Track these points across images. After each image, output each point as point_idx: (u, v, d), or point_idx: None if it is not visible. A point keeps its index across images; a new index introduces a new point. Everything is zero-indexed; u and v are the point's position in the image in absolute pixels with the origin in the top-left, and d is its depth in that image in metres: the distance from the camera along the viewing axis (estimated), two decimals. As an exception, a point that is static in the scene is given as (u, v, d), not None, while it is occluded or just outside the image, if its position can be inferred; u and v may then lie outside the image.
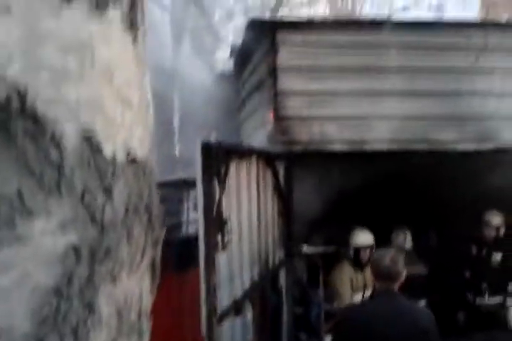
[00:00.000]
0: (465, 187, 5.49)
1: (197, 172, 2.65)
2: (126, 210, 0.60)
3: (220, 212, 2.74)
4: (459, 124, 5.02)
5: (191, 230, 4.15)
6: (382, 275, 2.84)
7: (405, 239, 5.52)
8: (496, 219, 5.13)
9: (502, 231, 5.14)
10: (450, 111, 5.01)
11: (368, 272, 4.15)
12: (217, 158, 2.71)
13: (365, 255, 4.65)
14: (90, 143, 0.55)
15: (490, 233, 5.10)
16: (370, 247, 4.68)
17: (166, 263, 3.70)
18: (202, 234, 2.64)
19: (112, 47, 0.58)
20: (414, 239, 5.69)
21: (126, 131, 0.60)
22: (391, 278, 2.83)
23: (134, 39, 0.64)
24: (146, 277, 0.67)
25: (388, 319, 2.74)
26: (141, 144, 0.64)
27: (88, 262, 0.55)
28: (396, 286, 2.85)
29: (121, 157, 0.60)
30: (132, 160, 0.62)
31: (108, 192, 0.57)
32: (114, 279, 0.59)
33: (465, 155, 4.90)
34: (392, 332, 2.71)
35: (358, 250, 4.67)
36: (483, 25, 4.78)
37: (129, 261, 0.62)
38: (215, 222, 2.69)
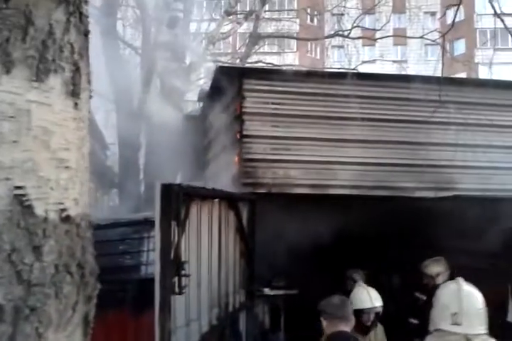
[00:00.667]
0: (427, 233, 5.64)
1: (155, 215, 2.67)
2: (56, 268, 0.63)
3: (177, 255, 2.74)
4: (417, 172, 5.22)
5: (151, 271, 4.10)
6: (335, 316, 2.88)
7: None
8: (430, 268, 5.03)
9: (441, 279, 5.00)
10: (409, 159, 5.22)
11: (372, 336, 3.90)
12: (177, 200, 2.75)
13: (368, 318, 3.86)
14: (21, 203, 0.59)
15: (428, 281, 5.04)
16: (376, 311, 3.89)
17: (122, 304, 3.65)
18: (158, 276, 2.63)
19: (50, 112, 0.63)
20: (375, 283, 5.74)
21: (61, 191, 0.65)
22: (342, 319, 2.88)
23: (76, 103, 0.69)
24: (77, 333, 0.69)
25: None
26: (76, 203, 0.68)
27: (12, 320, 0.57)
28: (348, 328, 2.89)
29: (53, 216, 0.64)
30: (65, 219, 0.66)
31: (38, 250, 0.60)
32: (39, 336, 0.62)
33: (424, 202, 5.06)
34: None
35: (360, 312, 3.73)
36: (439, 81, 5.07)
37: (58, 317, 0.64)
38: (172, 265, 2.69)
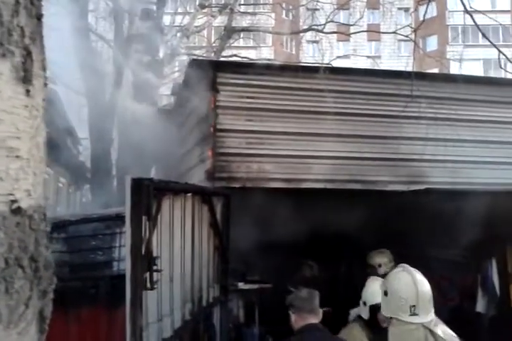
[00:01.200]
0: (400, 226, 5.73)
1: (126, 210, 2.63)
2: (7, 262, 0.61)
3: (149, 250, 2.71)
4: (389, 166, 5.28)
5: (123, 267, 4.06)
6: (303, 309, 2.90)
7: (312, 270, 5.50)
8: (373, 259, 5.21)
9: (383, 269, 5.22)
10: (381, 153, 5.28)
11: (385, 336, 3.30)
12: (148, 195, 2.71)
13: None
14: (-34, 195, 0.56)
15: (371, 271, 5.23)
16: None
17: (95, 300, 3.59)
18: (129, 272, 2.60)
19: (-2, 99, 0.60)
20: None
21: (11, 182, 0.62)
22: (311, 312, 2.90)
23: (28, 90, 0.66)
24: (31, 330, 0.66)
25: None
26: (28, 194, 0.65)
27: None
28: (318, 320, 2.90)
29: (2, 208, 0.61)
30: (16, 211, 0.63)
31: (-16, 244, 0.57)
32: (-13, 332, 0.59)
33: (394, 195, 5.12)
34: None
35: (375, 309, 3.19)
36: (410, 76, 5.12)
37: (8, 313, 0.62)
38: (143, 260, 2.65)
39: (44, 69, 0.73)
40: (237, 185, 4.77)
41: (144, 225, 2.68)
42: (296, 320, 2.90)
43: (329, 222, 4.93)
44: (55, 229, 4.22)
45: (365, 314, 3.26)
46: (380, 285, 2.88)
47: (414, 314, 2.49)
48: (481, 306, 6.22)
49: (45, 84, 0.73)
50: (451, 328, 6.98)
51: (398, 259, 6.63)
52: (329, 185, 5.02)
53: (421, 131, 5.35)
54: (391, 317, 2.59)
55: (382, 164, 5.22)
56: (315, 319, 2.90)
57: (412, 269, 2.65)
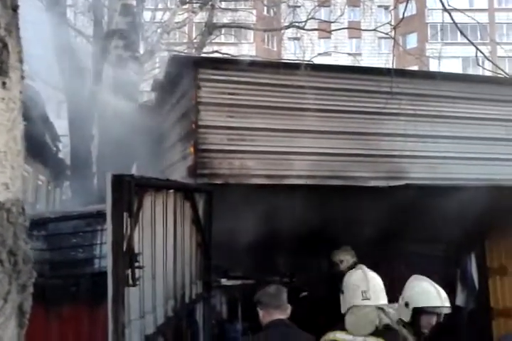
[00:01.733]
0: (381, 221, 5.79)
1: (107, 206, 2.61)
2: (-16, 256, 0.60)
3: (130, 246, 2.69)
4: (370, 162, 5.33)
5: (104, 264, 4.03)
6: (271, 305, 2.94)
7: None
8: (335, 256, 5.52)
9: (345, 265, 5.42)
10: (362, 149, 5.32)
11: None
12: (129, 191, 2.69)
13: (429, 323, 2.98)
14: None
15: (334, 267, 5.47)
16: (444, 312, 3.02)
17: (76, 298, 3.56)
18: (110, 268, 2.58)
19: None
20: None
21: (-12, 175, 0.61)
22: (278, 307, 2.95)
23: (4, 83, 0.65)
24: (10, 324, 0.66)
25: None
26: (6, 188, 0.64)
27: None
28: (286, 316, 2.94)
29: (-21, 201, 0.60)
30: (-7, 205, 0.62)
31: (-40, 237, 0.56)
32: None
33: (374, 191, 5.17)
34: None
35: (419, 312, 2.90)
36: (390, 73, 5.18)
37: (-14, 307, 0.61)
38: (125, 257, 2.64)
39: (21, 61, 0.72)
40: (219, 182, 4.77)
41: (125, 222, 2.67)
42: (264, 316, 2.94)
43: (311, 218, 4.96)
44: (35, 226, 4.17)
45: (407, 316, 2.87)
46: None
47: (366, 298, 2.89)
48: (460, 300, 6.34)
49: (22, 77, 0.72)
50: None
51: (379, 254, 6.74)
52: (311, 181, 5.05)
53: (401, 128, 5.42)
54: (348, 309, 2.94)
55: (363, 160, 5.27)
56: (282, 314, 2.94)
57: (367, 269, 3.07)
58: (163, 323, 3.31)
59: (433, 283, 3.08)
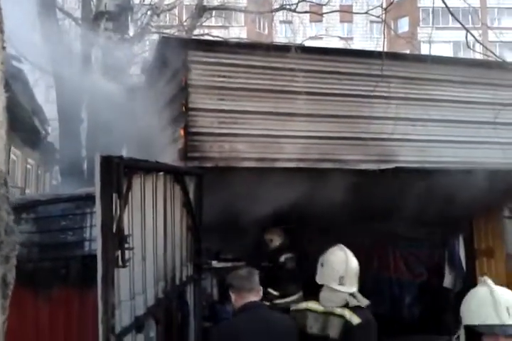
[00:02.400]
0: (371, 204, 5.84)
1: (96, 187, 2.60)
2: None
3: (120, 228, 2.69)
4: (360, 145, 5.34)
5: (94, 247, 4.03)
6: (242, 288, 2.96)
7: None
8: (266, 235, 5.80)
9: (274, 244, 5.73)
10: (353, 133, 5.33)
11: None
12: (118, 172, 2.68)
13: None
14: None
15: (266, 247, 5.78)
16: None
17: (66, 281, 3.55)
18: (100, 250, 2.58)
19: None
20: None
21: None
22: (250, 290, 2.97)
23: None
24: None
25: (252, 330, 2.84)
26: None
27: None
28: (257, 298, 2.97)
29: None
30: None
31: None
32: None
33: (364, 174, 5.19)
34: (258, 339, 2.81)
35: (473, 331, 2.16)
36: (381, 56, 5.16)
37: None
38: (114, 238, 2.64)
39: (1, 31, 0.71)
40: (209, 165, 4.76)
41: (114, 203, 2.66)
42: (236, 300, 2.97)
43: (301, 201, 4.97)
44: (24, 209, 4.15)
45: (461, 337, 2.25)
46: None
47: (341, 284, 3.06)
48: (448, 281, 6.46)
49: (3, 47, 0.71)
50: (420, 303, 7.25)
51: (367, 236, 6.80)
52: (301, 164, 5.06)
53: (391, 111, 5.42)
54: (323, 285, 3.14)
55: (353, 143, 5.28)
56: (255, 297, 2.96)
57: (347, 249, 3.19)
58: (153, 305, 3.33)
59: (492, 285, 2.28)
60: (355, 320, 2.97)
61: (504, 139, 5.72)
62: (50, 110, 11.14)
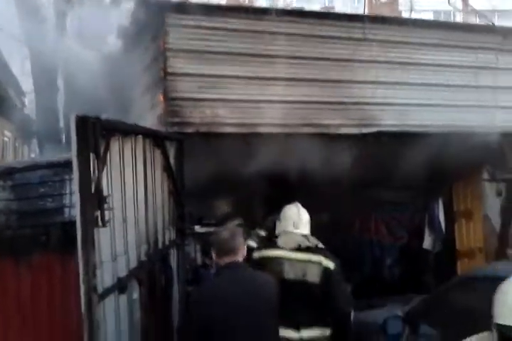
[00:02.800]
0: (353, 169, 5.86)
1: (72, 147, 2.56)
2: None
3: (98, 188, 2.66)
4: (342, 110, 5.33)
5: (74, 213, 3.99)
6: (223, 249, 2.95)
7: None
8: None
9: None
10: (334, 97, 5.31)
11: None
12: (95, 133, 2.63)
13: None
14: None
15: None
16: None
17: (47, 248, 3.51)
18: (78, 210, 2.56)
19: None
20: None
21: None
22: (231, 250, 2.94)
23: None
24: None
25: (234, 293, 2.85)
26: None
27: None
28: (239, 258, 2.97)
29: None
30: None
31: None
32: None
33: (346, 138, 5.21)
34: (237, 301, 2.83)
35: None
36: (362, 19, 5.10)
37: None
38: (93, 198, 2.61)
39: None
40: (190, 131, 4.72)
41: (92, 163, 2.62)
42: (218, 260, 2.96)
43: (283, 167, 4.98)
44: (1, 177, 4.08)
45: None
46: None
47: (296, 228, 3.69)
48: (427, 243, 6.61)
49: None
50: (400, 264, 7.37)
51: (350, 201, 6.87)
52: (283, 129, 5.04)
53: (372, 75, 5.40)
54: (280, 233, 3.73)
55: (335, 108, 5.27)
56: (236, 257, 2.96)
57: (300, 206, 3.80)
58: (136, 267, 3.34)
59: None
60: (331, 265, 3.45)
61: (485, 102, 5.76)
62: (26, 82, 10.85)
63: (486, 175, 6.61)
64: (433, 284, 5.97)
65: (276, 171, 5.10)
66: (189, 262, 4.83)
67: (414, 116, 5.48)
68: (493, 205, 6.54)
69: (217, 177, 4.78)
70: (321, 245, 3.63)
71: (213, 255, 3.03)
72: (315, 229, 4.53)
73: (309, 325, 3.41)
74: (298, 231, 3.66)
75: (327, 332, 3.42)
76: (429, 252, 6.62)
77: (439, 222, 6.55)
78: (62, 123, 8.02)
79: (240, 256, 3.02)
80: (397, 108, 5.46)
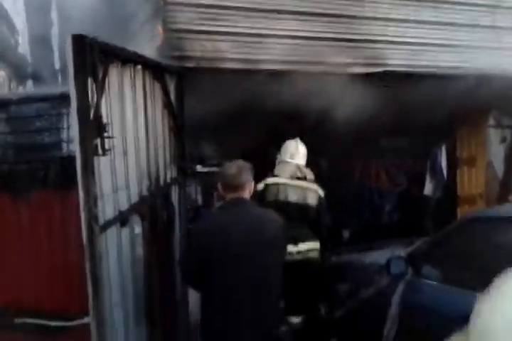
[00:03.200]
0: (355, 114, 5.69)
1: (69, 70, 2.39)
2: None
3: (98, 114, 2.52)
4: (350, 48, 5.09)
5: (73, 148, 3.86)
6: (229, 184, 2.87)
7: None
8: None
9: None
10: (342, 34, 5.05)
11: None
12: (93, 55, 2.45)
13: None
14: None
15: None
16: None
17: (45, 183, 3.39)
18: (77, 138, 2.43)
19: None
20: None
21: None
22: (237, 186, 2.86)
23: None
24: None
25: (236, 226, 2.79)
26: None
27: None
28: (245, 195, 2.89)
29: None
30: None
31: None
32: None
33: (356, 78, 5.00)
34: (239, 235, 2.77)
35: None
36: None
37: None
38: (92, 125, 2.48)
39: None
40: (190, 65, 4.50)
41: (90, 88, 2.46)
42: (223, 196, 2.89)
43: (285, 105, 4.81)
44: (-5, 108, 3.92)
45: None
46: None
47: (292, 158, 4.35)
48: (428, 189, 6.58)
49: None
50: (399, 210, 7.34)
51: (351, 148, 6.75)
52: (288, 66, 4.83)
53: (383, 11, 5.12)
54: (279, 163, 4.38)
55: (343, 45, 5.03)
56: (244, 192, 2.88)
57: (300, 141, 4.45)
58: (137, 202, 3.27)
59: None
60: (322, 193, 4.32)
61: (500, 44, 5.51)
62: (19, 22, 10.38)
63: (491, 121, 6.47)
64: (432, 229, 5.99)
65: (279, 111, 4.93)
66: (190, 202, 4.77)
67: (424, 57, 5.25)
68: (497, 152, 6.45)
69: (221, 115, 4.61)
70: (310, 177, 4.31)
71: (220, 189, 2.95)
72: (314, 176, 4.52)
73: (305, 239, 4.22)
74: (293, 161, 4.28)
75: (318, 244, 4.31)
76: (429, 198, 6.60)
77: (441, 168, 6.48)
78: (58, 65, 7.74)
79: (247, 193, 2.94)
80: (408, 47, 5.22)
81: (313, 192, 4.28)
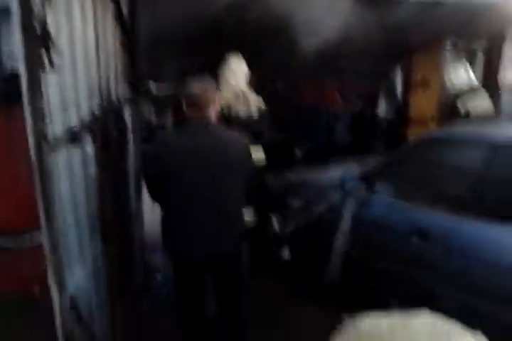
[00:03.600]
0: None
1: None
2: None
3: (44, 28, 2.35)
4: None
5: (16, 66, 3.62)
6: (192, 101, 2.82)
7: None
8: None
9: None
10: None
11: None
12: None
13: None
14: None
15: None
16: None
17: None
18: (21, 52, 2.28)
19: None
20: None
21: None
22: (201, 103, 2.81)
23: None
24: None
25: (196, 146, 2.79)
26: None
27: None
28: (209, 113, 2.86)
29: None
30: None
31: None
32: None
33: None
34: (202, 158, 2.78)
35: None
36: None
37: None
38: (38, 38, 2.32)
39: None
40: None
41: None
42: (187, 114, 2.85)
43: (246, 18, 4.61)
44: None
45: None
46: None
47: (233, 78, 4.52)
48: (381, 110, 6.70)
49: None
50: (352, 131, 7.47)
51: (313, 69, 6.68)
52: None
53: None
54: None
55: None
56: (207, 112, 2.84)
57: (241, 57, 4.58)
58: (89, 119, 3.18)
59: None
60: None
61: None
62: None
63: (448, 46, 6.47)
64: (383, 149, 6.20)
65: (239, 26, 4.74)
66: (144, 122, 4.69)
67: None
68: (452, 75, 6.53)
69: (182, 29, 4.39)
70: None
71: (184, 106, 2.90)
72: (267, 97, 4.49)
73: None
74: (233, 82, 4.52)
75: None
76: (382, 119, 6.75)
77: (395, 90, 6.56)
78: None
79: (212, 112, 2.89)
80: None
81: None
